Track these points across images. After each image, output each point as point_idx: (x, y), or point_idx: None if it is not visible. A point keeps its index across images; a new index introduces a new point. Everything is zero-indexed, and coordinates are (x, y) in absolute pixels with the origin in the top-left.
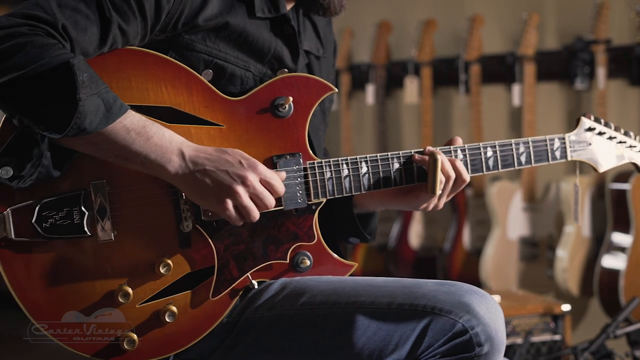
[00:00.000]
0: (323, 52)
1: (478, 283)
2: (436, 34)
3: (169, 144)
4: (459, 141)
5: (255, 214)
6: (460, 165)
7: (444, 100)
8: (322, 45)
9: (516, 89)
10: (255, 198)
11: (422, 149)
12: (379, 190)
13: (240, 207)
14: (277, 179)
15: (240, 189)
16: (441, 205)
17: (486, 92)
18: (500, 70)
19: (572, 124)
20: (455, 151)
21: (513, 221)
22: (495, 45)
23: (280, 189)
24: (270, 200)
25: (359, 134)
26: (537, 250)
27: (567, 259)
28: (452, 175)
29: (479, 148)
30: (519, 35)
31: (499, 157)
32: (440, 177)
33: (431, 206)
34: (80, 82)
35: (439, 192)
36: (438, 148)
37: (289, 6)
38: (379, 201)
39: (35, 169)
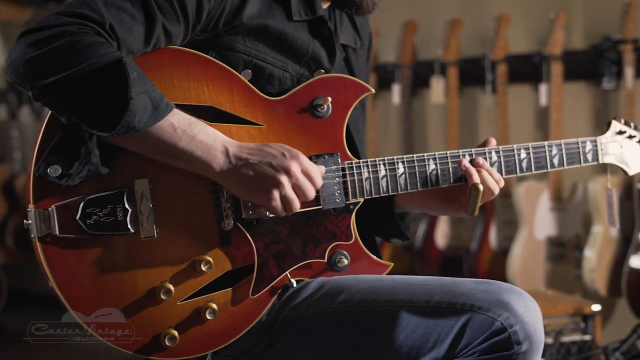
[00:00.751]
0: (360, 43)
1: None
2: (462, 34)
3: (213, 141)
4: (493, 142)
5: (297, 204)
6: (497, 175)
7: (470, 100)
8: (360, 37)
9: (543, 88)
10: (297, 189)
11: (457, 151)
12: (422, 196)
13: (284, 198)
14: (316, 171)
15: (285, 179)
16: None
17: (513, 91)
18: (526, 69)
19: (600, 124)
20: (490, 153)
21: (540, 221)
22: (521, 44)
23: (319, 181)
24: (311, 192)
25: (384, 134)
26: (564, 250)
27: (594, 259)
28: (493, 187)
29: (513, 150)
30: (546, 35)
31: (532, 159)
32: (480, 203)
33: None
34: (132, 80)
35: (477, 213)
36: (473, 150)
37: (325, 5)
38: (420, 205)
39: (83, 167)
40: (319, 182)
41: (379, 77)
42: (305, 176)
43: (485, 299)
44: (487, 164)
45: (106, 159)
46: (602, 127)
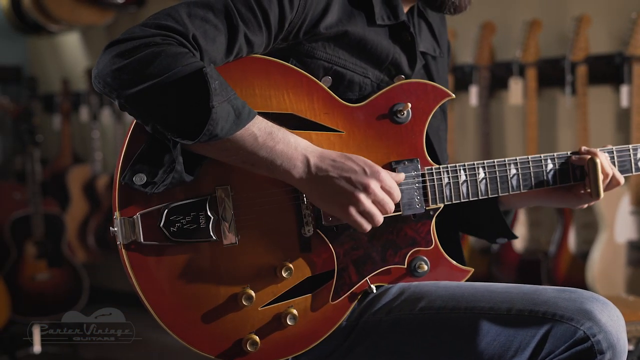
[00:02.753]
0: (439, 51)
1: (584, 287)
2: (541, 35)
3: (294, 150)
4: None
5: (379, 218)
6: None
7: (549, 102)
8: (438, 45)
9: (624, 90)
10: (377, 204)
11: (538, 156)
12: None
13: (363, 213)
14: (395, 186)
15: (363, 197)
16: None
17: (593, 93)
18: (607, 70)
19: None
20: (603, 152)
21: (621, 225)
22: (602, 45)
23: (397, 195)
24: (390, 206)
25: (462, 136)
26: None
27: None
28: (610, 173)
29: (629, 149)
30: (628, 35)
31: (616, 163)
32: (601, 179)
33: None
34: (213, 89)
35: (603, 194)
36: (555, 154)
37: (405, 9)
38: (531, 199)
39: (167, 175)
40: (397, 196)
41: (456, 78)
42: (385, 192)
43: (568, 307)
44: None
45: (190, 166)
46: None
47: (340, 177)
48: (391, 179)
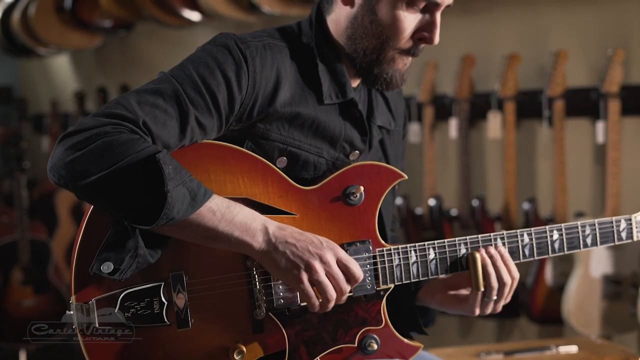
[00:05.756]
0: (395, 124)
1: (560, 320)
2: (520, 67)
3: (252, 221)
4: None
5: (332, 291)
6: (511, 265)
7: (528, 132)
8: (394, 118)
9: (600, 126)
10: (330, 278)
11: (488, 235)
12: (440, 293)
13: (316, 283)
14: (355, 263)
15: (317, 265)
16: (499, 309)
17: (571, 125)
18: (585, 104)
19: None
20: (522, 235)
21: (596, 259)
22: (580, 78)
23: (358, 273)
24: (344, 284)
25: (442, 167)
26: (620, 289)
27: None
28: (508, 280)
29: (545, 231)
30: (604, 72)
31: (565, 240)
32: (481, 274)
33: (489, 310)
34: (167, 174)
35: (482, 288)
36: (505, 232)
37: (355, 84)
38: (439, 301)
39: (133, 260)
40: (359, 274)
41: (436, 109)
42: (342, 267)
43: None
44: (497, 255)
45: (154, 247)
46: None
47: (297, 246)
48: (348, 256)
